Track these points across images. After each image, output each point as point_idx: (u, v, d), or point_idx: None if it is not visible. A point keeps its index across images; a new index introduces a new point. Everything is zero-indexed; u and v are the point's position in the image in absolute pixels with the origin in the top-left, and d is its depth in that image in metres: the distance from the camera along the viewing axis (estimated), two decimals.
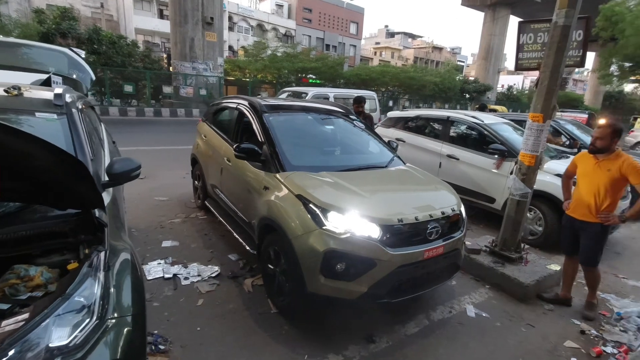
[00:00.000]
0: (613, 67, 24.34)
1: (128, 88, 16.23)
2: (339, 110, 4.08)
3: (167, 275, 3.22)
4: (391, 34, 70.92)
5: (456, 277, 3.27)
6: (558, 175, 4.22)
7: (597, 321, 3.11)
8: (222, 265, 3.51)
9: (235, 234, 3.55)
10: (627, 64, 23.26)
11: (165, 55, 25.07)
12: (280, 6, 43.37)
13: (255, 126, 3.44)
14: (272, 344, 2.52)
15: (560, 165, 4.41)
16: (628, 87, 39.32)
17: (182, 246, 3.85)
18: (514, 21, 36.91)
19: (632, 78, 26.20)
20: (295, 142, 3.39)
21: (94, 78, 4.15)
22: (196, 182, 5.00)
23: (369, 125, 5.31)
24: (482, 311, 3.11)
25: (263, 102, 3.71)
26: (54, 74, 3.25)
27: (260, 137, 3.31)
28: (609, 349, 2.73)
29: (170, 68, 19.52)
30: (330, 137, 3.81)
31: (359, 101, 5.45)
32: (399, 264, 2.44)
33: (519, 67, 3.77)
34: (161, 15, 35.22)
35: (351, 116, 4.12)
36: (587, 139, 6.77)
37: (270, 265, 2.91)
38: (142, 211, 4.68)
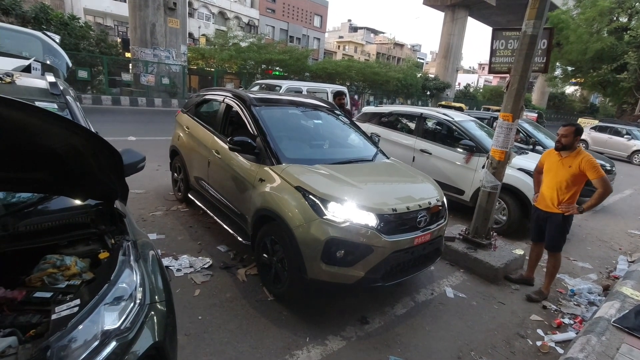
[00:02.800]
0: (558, 71, 26.45)
1: (82, 74, 15.14)
2: (324, 105, 4.22)
3: None
4: (354, 29, 71.67)
5: (435, 262, 3.57)
6: (520, 169, 4.67)
7: (555, 297, 3.55)
8: (213, 256, 3.55)
9: (225, 226, 3.59)
10: (569, 68, 25.40)
11: (119, 40, 23.60)
12: None
13: (247, 119, 3.49)
14: (274, 328, 2.64)
15: (522, 160, 4.88)
16: (569, 90, 42.99)
17: (169, 239, 3.83)
18: (471, 22, 38.72)
19: (573, 81, 28.68)
20: (288, 136, 3.49)
21: (70, 64, 3.95)
22: (176, 174, 4.92)
23: (350, 118, 5.50)
24: (460, 292, 3.43)
25: (252, 95, 3.76)
26: (34, 60, 3.08)
27: (252, 130, 3.37)
28: (566, 320, 3.16)
29: (128, 54, 18.49)
30: (319, 131, 3.95)
31: (341, 94, 5.58)
32: (393, 250, 2.66)
33: (492, 70, 4.12)
34: None
35: (336, 111, 4.27)
36: (540, 136, 7.46)
37: (265, 255, 3.01)
38: None
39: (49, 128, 1.32)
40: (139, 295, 1.40)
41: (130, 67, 17.45)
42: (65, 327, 1.14)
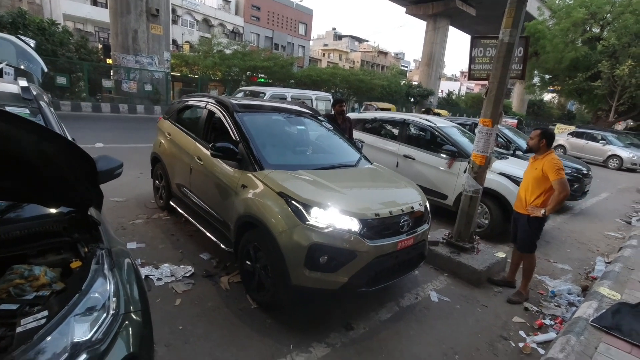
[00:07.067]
0: (536, 79, 27.33)
1: (61, 80, 14.77)
2: (307, 112, 4.22)
3: None
4: (339, 37, 72.47)
5: (419, 266, 3.58)
6: (501, 173, 4.76)
7: (536, 298, 3.60)
8: (195, 264, 3.48)
9: (207, 233, 3.53)
10: (547, 76, 26.26)
11: (100, 46, 23.25)
12: (227, 2, 42.29)
13: (229, 125, 3.46)
14: (257, 337, 2.59)
15: (502, 165, 4.99)
16: (547, 97, 44.42)
17: (149, 247, 3.73)
18: (453, 31, 39.70)
19: (551, 88, 29.65)
20: (270, 142, 3.46)
21: (45, 69, 3.84)
22: (157, 181, 4.83)
23: (350, 126, 5.46)
24: (444, 296, 3.45)
25: (234, 101, 3.73)
26: (6, 64, 2.98)
27: (235, 136, 3.33)
28: (547, 321, 3.21)
29: (109, 60, 18.19)
30: (302, 137, 3.94)
31: (341, 101, 5.38)
32: (376, 255, 2.65)
33: (472, 77, 4.21)
34: (94, 2, 32.51)
35: (319, 117, 4.28)
36: (520, 142, 7.65)
37: (248, 262, 2.96)
38: None
39: (18, 133, 1.27)
40: (113, 305, 1.35)
41: (112, 74, 17.14)
42: (31, 340, 1.08)
